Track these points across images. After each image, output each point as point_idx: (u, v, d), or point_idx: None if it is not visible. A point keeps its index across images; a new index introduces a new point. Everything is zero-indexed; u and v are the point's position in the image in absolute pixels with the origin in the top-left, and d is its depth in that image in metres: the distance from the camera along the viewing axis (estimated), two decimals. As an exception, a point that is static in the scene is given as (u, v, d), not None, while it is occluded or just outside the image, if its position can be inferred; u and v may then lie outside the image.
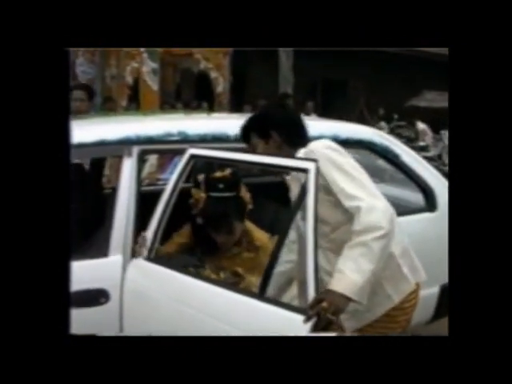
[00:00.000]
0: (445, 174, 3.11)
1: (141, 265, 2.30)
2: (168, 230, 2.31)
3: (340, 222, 1.98)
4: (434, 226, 2.93)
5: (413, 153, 3.25)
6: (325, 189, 1.95)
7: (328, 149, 2.01)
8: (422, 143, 11.59)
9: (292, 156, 2.10)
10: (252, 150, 2.22)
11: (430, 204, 3.03)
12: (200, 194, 2.73)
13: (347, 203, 1.89)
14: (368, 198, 1.86)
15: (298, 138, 2.17)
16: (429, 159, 7.80)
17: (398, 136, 12.23)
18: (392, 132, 12.78)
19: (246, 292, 2.07)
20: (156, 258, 2.32)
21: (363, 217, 1.82)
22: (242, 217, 2.77)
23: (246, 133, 2.24)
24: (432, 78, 15.29)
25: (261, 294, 1.91)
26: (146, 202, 2.37)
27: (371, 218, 1.81)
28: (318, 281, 1.75)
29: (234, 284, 2.51)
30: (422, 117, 13.30)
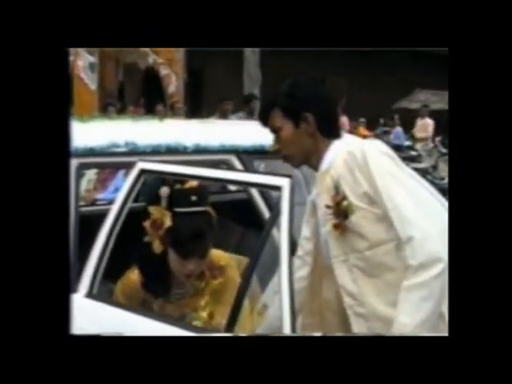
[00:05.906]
0: (441, 190, 3.13)
1: (80, 303, 2.30)
2: (113, 261, 2.31)
3: (381, 239, 1.95)
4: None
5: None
6: (370, 199, 1.94)
7: (384, 155, 1.99)
8: (413, 152, 11.80)
9: (325, 149, 2.05)
10: (273, 134, 2.10)
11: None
12: (163, 212, 2.48)
13: (399, 226, 1.89)
14: (424, 221, 1.88)
15: (334, 126, 2.10)
16: (421, 171, 7.93)
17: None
18: (377, 139, 12.94)
19: (210, 331, 2.09)
20: (98, 294, 2.32)
21: (418, 249, 1.85)
22: (211, 236, 2.55)
23: (268, 110, 2.09)
24: (426, 74, 15.59)
25: (229, 331, 1.92)
26: (82, 225, 2.38)
27: (427, 250, 1.85)
28: (295, 316, 1.80)
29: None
30: (414, 121, 13.53)
